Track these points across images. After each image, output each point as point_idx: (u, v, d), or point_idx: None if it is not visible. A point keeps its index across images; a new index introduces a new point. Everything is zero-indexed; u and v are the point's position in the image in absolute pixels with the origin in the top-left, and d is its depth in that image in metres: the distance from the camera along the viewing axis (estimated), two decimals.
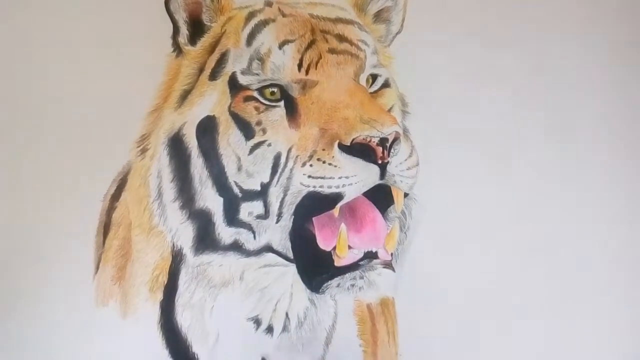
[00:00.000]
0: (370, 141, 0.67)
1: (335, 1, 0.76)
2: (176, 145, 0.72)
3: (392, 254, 0.72)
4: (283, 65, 0.71)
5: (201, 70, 0.73)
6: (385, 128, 0.67)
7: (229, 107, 0.71)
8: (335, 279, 0.69)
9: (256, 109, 0.71)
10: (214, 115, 0.72)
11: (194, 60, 0.73)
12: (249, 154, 0.71)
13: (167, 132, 0.73)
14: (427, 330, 0.77)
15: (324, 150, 0.68)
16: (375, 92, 0.75)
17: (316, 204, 0.69)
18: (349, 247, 0.70)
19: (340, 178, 0.68)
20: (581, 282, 0.79)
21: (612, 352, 0.79)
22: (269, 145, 0.70)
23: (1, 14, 0.74)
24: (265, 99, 0.71)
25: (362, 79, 0.73)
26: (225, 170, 0.72)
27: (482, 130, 0.79)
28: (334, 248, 0.70)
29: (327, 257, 0.70)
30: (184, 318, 0.73)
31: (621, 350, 0.79)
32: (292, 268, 0.73)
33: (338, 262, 0.70)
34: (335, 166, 0.68)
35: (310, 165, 0.68)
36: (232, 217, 0.72)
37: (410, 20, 0.78)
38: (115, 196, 0.73)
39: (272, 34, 0.72)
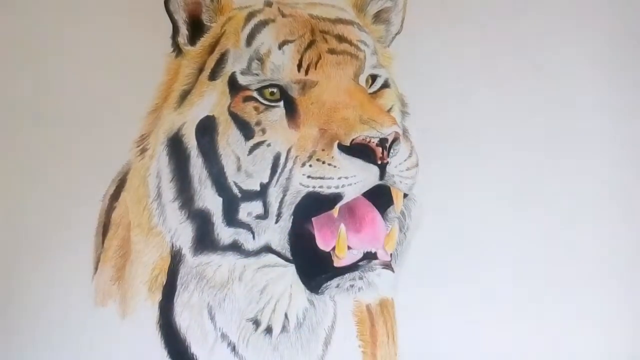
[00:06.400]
0: (369, 141, 0.67)
1: (335, 1, 0.76)
2: (175, 145, 0.72)
3: (391, 255, 0.72)
4: (283, 66, 0.71)
5: (201, 70, 0.73)
6: (384, 128, 0.67)
7: (229, 107, 0.71)
8: (335, 279, 0.69)
9: (256, 109, 0.71)
10: (213, 115, 0.72)
11: (194, 60, 0.73)
12: (248, 154, 0.71)
13: (166, 132, 0.73)
14: (426, 331, 0.77)
15: (323, 150, 0.68)
16: (375, 92, 0.75)
17: (315, 205, 0.69)
18: (348, 248, 0.70)
19: (339, 178, 0.68)
20: (581, 282, 0.79)
21: (612, 352, 0.79)
22: (269, 145, 0.70)
23: (1, 14, 0.74)
24: (265, 99, 0.71)
25: (362, 80, 0.73)
26: (225, 170, 0.71)
27: (481, 131, 0.78)
28: (333, 248, 0.70)
29: (327, 257, 0.70)
30: (182, 318, 0.73)
31: (622, 350, 0.79)
32: (291, 268, 0.72)
33: (337, 263, 0.69)
34: (335, 166, 0.68)
35: (310, 166, 0.68)
36: (231, 218, 0.72)
37: (410, 21, 0.77)
38: (115, 196, 0.73)
39: (272, 34, 0.72)
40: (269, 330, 0.75)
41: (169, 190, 0.72)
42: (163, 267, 0.73)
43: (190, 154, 0.72)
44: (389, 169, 0.68)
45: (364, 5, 0.77)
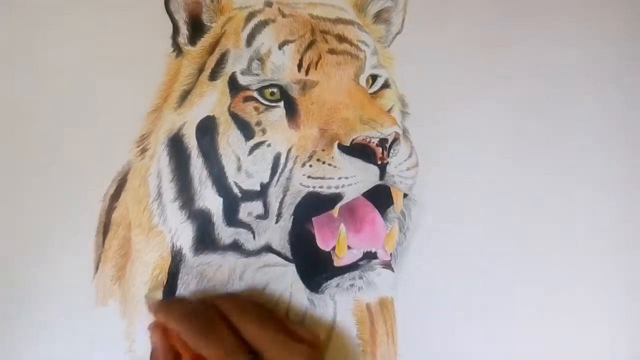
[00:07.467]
0: (369, 142, 0.67)
1: (335, 1, 0.76)
2: (176, 145, 0.72)
3: (391, 255, 0.72)
4: (283, 66, 0.71)
5: (201, 70, 0.73)
6: (384, 129, 0.68)
7: (229, 107, 0.71)
8: (335, 279, 0.70)
9: (256, 109, 0.71)
10: (213, 115, 0.72)
11: (194, 60, 0.73)
12: (248, 154, 0.71)
13: (166, 132, 0.73)
14: (426, 330, 0.77)
15: (323, 150, 0.68)
16: (375, 92, 0.75)
17: (316, 205, 0.69)
18: (349, 248, 0.70)
19: (339, 178, 0.68)
20: (581, 282, 0.79)
21: (612, 352, 0.80)
22: (269, 145, 0.70)
23: (0, 13, 0.74)
24: (265, 99, 0.71)
25: (362, 80, 0.73)
26: (225, 170, 0.72)
27: (482, 131, 0.79)
28: (334, 248, 0.70)
29: (327, 257, 0.70)
30: None
31: (622, 350, 0.80)
32: (292, 268, 0.73)
33: (337, 262, 0.70)
34: (335, 167, 0.68)
35: (310, 166, 0.69)
36: (231, 217, 0.72)
37: (411, 21, 0.77)
38: (115, 196, 0.73)
39: (272, 35, 0.72)
40: None
41: (169, 190, 0.72)
42: (164, 266, 0.73)
43: (191, 154, 0.72)
44: (389, 169, 0.68)
45: (364, 5, 0.77)
